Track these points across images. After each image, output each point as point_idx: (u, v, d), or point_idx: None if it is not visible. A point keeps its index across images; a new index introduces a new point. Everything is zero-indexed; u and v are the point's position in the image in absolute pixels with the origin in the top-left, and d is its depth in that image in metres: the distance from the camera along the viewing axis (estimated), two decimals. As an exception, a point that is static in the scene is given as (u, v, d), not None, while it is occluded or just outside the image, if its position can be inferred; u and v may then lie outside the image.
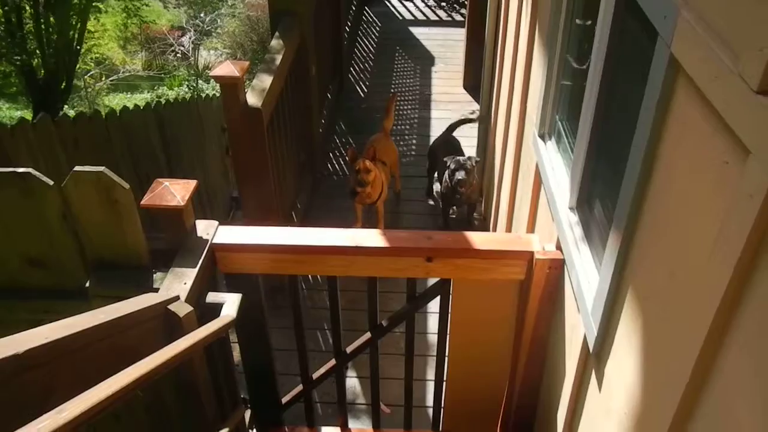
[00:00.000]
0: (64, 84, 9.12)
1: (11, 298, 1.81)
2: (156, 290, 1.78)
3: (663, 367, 1.18)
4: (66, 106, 9.67)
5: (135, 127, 3.81)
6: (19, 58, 8.39)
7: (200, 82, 11.57)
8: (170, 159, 4.22)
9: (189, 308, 1.67)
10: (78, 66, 10.03)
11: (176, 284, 1.79)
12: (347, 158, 3.81)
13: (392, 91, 5.77)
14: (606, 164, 1.72)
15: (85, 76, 11.64)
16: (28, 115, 9.15)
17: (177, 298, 1.68)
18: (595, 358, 1.59)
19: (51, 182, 1.60)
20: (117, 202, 1.63)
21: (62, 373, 1.10)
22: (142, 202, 1.76)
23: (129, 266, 1.79)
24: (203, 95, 9.42)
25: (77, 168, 1.53)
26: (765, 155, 0.81)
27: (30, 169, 1.56)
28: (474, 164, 3.62)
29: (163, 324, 1.62)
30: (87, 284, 1.80)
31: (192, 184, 1.81)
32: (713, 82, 0.96)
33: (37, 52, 8.79)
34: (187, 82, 11.85)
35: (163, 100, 5.18)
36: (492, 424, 2.41)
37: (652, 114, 1.20)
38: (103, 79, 12.11)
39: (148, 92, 12.03)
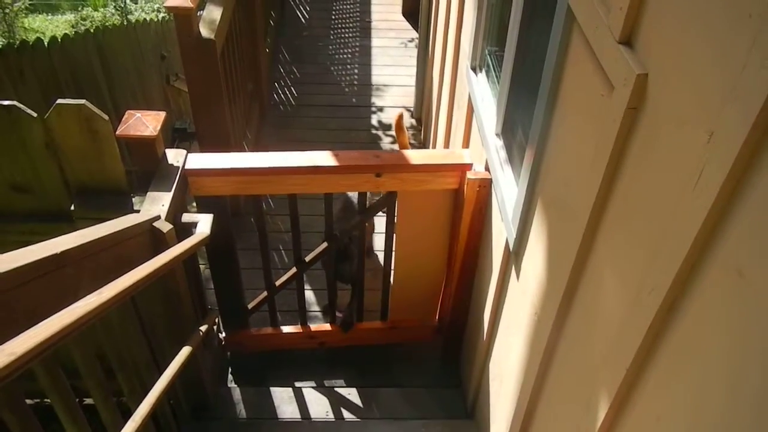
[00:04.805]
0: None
1: (-1, 222, 1.99)
2: (137, 212, 1.99)
3: (558, 253, 1.55)
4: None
5: (77, 55, 3.79)
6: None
7: (128, 1, 10.92)
8: (112, 88, 4.21)
9: (170, 226, 1.90)
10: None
11: (155, 207, 2.00)
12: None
13: (332, 18, 5.85)
14: (524, 96, 2.01)
15: (1, -4, 10.75)
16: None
17: (159, 217, 1.91)
18: (514, 255, 1.96)
19: (35, 114, 1.74)
20: (97, 132, 1.81)
21: (85, 272, 1.34)
22: (117, 132, 1.93)
23: (109, 191, 1.99)
24: (133, 19, 8.99)
25: (60, 101, 1.69)
26: (623, 90, 1.13)
27: (15, 102, 1.70)
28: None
29: (149, 240, 1.86)
30: (71, 208, 1.99)
31: (162, 115, 1.99)
32: (594, 31, 1.25)
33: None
34: (114, 3, 11.17)
35: (92, 24, 4.96)
36: (431, 315, 2.82)
37: (555, 54, 1.49)
38: (21, -2, 11.21)
39: (71, 13, 11.27)
